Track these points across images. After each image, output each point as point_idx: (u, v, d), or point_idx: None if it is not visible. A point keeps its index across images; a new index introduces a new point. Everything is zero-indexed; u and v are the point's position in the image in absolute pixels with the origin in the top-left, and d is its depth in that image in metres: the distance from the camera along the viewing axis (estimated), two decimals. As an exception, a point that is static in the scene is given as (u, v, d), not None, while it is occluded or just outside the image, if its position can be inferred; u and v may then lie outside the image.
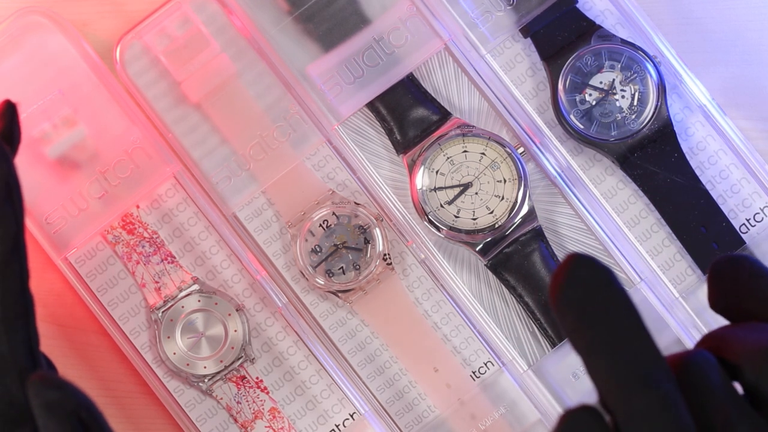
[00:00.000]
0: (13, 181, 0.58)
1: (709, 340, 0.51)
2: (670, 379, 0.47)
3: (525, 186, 0.73)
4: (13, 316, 0.57)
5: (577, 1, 0.74)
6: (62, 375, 0.65)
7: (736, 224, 0.74)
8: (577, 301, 0.47)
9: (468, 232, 0.72)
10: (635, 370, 0.47)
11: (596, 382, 0.48)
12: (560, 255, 0.73)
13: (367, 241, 0.73)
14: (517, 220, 0.73)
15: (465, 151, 0.73)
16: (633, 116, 0.73)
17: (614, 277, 0.48)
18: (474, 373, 0.73)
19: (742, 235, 0.73)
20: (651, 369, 0.47)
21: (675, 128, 0.73)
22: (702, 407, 0.48)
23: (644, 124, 0.73)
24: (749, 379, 0.49)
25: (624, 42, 0.73)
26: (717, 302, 0.52)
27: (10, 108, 0.62)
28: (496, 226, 0.72)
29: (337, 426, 0.73)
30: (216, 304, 0.72)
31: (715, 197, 0.73)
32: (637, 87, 0.73)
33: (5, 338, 0.57)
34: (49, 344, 0.73)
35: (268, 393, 0.73)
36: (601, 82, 0.73)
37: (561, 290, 0.48)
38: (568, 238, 0.74)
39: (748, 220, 0.74)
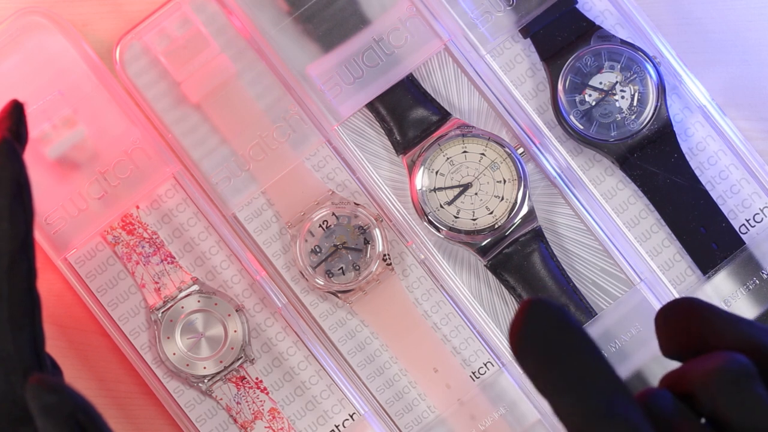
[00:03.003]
0: (23, 180, 0.58)
1: (666, 380, 0.51)
2: (635, 407, 0.47)
3: (525, 186, 0.73)
4: (19, 316, 0.57)
5: (576, 2, 0.74)
6: (65, 376, 0.65)
7: (735, 224, 0.73)
8: (534, 345, 0.47)
9: (468, 233, 0.72)
10: (599, 403, 0.47)
11: (564, 422, 0.48)
12: (560, 255, 0.73)
13: (366, 242, 0.73)
14: (517, 220, 0.73)
15: (465, 152, 0.73)
16: (633, 117, 0.73)
17: (569, 315, 0.48)
18: (474, 373, 0.73)
19: (742, 236, 0.73)
20: (614, 399, 0.47)
21: (675, 129, 0.73)
22: None
23: (644, 124, 0.73)
24: (706, 405, 0.48)
25: (624, 42, 0.73)
26: (668, 347, 0.52)
27: (18, 108, 0.62)
28: (496, 226, 0.72)
29: (336, 426, 0.73)
30: (216, 304, 0.72)
31: (714, 198, 0.73)
32: (636, 87, 0.73)
33: (11, 337, 0.57)
34: (49, 344, 0.73)
35: (267, 393, 0.73)
36: (600, 83, 0.73)
37: (518, 337, 0.48)
38: (568, 239, 0.74)
39: (747, 221, 0.74)
